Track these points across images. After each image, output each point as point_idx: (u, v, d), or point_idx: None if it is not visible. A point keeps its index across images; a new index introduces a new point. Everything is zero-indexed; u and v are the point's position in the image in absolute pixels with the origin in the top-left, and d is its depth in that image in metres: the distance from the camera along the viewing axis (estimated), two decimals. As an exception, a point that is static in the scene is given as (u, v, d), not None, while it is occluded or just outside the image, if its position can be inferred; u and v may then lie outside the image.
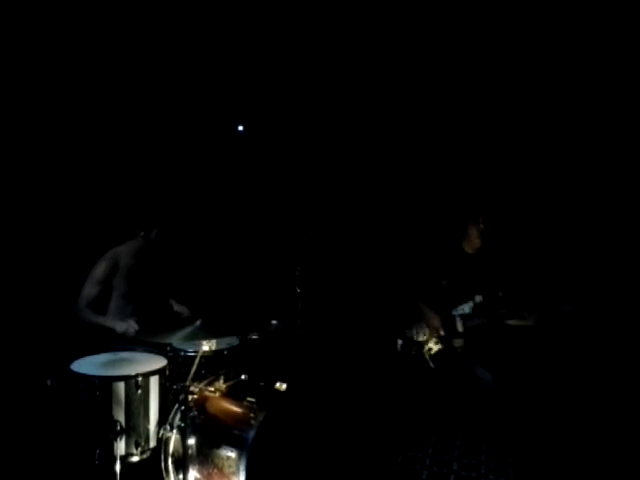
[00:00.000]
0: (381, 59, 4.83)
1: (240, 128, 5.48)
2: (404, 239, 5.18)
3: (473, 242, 4.05)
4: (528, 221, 4.89)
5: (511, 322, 3.80)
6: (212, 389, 2.88)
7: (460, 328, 3.93)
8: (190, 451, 2.67)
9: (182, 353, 3.21)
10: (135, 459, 2.71)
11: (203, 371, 3.05)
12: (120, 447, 2.63)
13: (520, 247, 4.67)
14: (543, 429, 4.01)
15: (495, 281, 4.00)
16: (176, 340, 3.06)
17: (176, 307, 3.85)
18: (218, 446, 2.63)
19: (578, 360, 4.46)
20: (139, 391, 2.70)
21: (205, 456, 2.65)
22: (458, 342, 3.91)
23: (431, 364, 3.89)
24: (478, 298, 3.94)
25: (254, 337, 3.71)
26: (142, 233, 3.57)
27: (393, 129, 5.33)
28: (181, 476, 2.69)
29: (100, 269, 3.43)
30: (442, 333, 3.92)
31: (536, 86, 4.71)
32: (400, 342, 4.02)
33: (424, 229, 5.02)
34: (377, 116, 5.30)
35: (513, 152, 4.98)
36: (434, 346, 3.95)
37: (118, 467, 2.60)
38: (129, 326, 3.31)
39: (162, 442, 2.78)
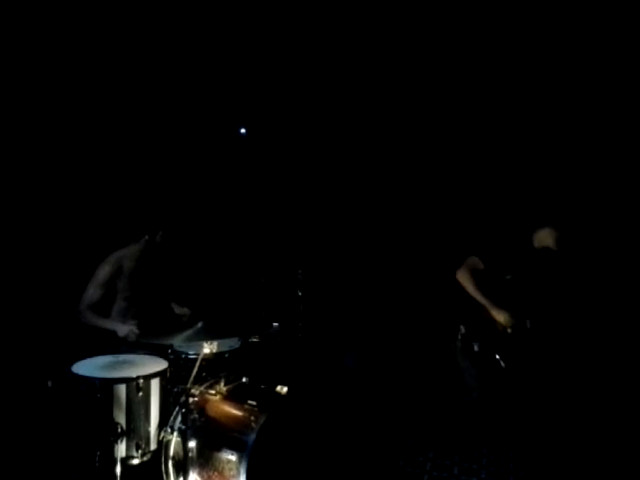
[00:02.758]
0: (382, 62, 4.84)
1: (242, 131, 5.48)
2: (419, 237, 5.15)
3: (545, 242, 3.91)
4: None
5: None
6: (213, 392, 2.88)
7: (528, 324, 3.80)
8: (191, 454, 2.67)
9: (183, 355, 3.21)
10: (135, 462, 2.70)
11: (204, 374, 3.04)
12: (121, 449, 2.63)
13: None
14: (544, 433, 4.00)
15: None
16: (177, 342, 3.06)
17: (177, 310, 3.85)
18: (219, 449, 2.63)
19: (579, 361, 4.47)
20: (140, 393, 2.69)
21: (206, 459, 2.65)
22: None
23: (502, 363, 3.80)
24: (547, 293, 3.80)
25: (255, 340, 3.71)
26: (146, 236, 3.57)
27: (397, 128, 5.33)
28: (181, 479, 2.69)
29: (104, 272, 3.44)
30: (510, 331, 3.79)
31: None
32: (477, 345, 3.86)
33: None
34: (382, 115, 5.30)
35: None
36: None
37: (118, 469, 2.60)
38: (130, 331, 3.32)
39: (163, 445, 2.78)
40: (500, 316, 3.67)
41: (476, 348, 3.74)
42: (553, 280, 3.89)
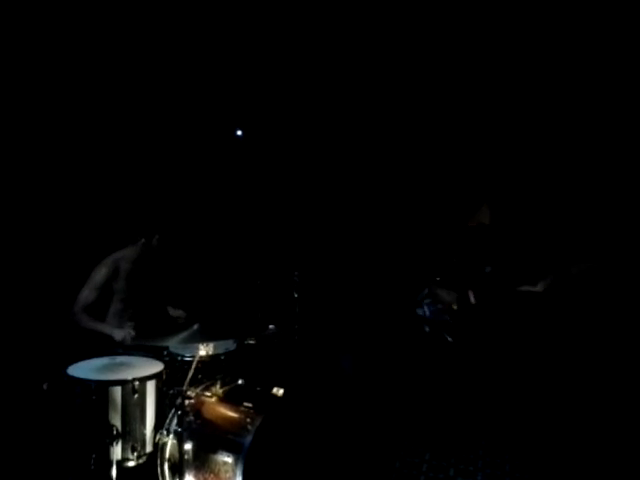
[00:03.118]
0: (380, 62, 4.86)
1: (239, 133, 5.49)
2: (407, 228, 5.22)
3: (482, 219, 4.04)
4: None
5: (523, 288, 3.86)
6: (209, 394, 2.87)
7: (472, 300, 3.92)
8: (186, 456, 2.67)
9: (179, 358, 3.20)
10: (131, 464, 2.70)
11: (200, 376, 3.04)
12: (116, 452, 2.63)
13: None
14: (541, 434, 4.01)
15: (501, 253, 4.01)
16: (173, 344, 3.06)
17: (172, 312, 3.85)
18: (214, 451, 2.62)
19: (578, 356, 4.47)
20: (136, 396, 2.69)
21: (201, 461, 2.65)
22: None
23: (449, 338, 3.89)
24: (488, 269, 3.94)
25: (251, 342, 3.71)
26: (143, 240, 3.57)
27: (390, 124, 5.35)
28: (177, 481, 2.69)
29: (100, 274, 3.43)
30: (455, 307, 3.90)
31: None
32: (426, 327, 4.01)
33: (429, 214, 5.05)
34: (375, 117, 5.32)
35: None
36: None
37: (114, 472, 2.60)
38: (127, 334, 3.31)
39: (158, 447, 2.77)
40: (443, 294, 3.80)
41: (427, 329, 3.88)
42: (493, 252, 4.02)
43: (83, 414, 2.63)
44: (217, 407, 2.82)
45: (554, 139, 4.84)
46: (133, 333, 3.31)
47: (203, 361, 3.03)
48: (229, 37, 4.57)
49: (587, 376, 4.28)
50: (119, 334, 3.32)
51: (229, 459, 2.57)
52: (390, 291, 5.30)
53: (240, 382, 3.04)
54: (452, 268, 3.99)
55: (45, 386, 2.95)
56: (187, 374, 2.79)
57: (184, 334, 2.88)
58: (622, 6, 4.04)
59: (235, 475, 2.53)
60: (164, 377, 2.89)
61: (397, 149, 5.38)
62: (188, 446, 2.67)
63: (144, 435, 2.75)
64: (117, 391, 2.66)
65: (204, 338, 2.91)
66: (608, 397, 4.18)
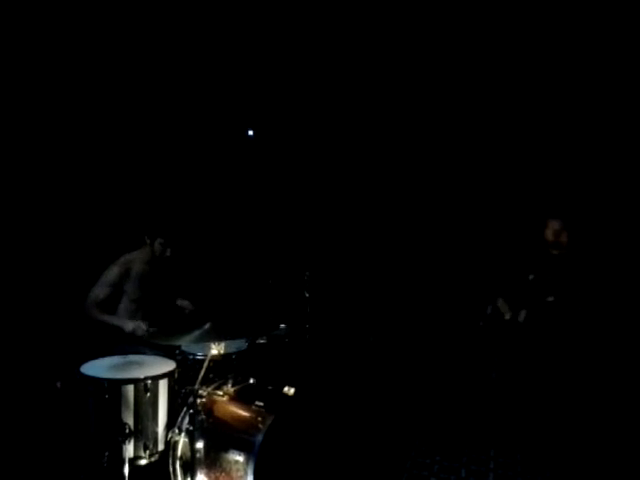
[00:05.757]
0: (389, 63, 4.85)
1: (250, 133, 5.50)
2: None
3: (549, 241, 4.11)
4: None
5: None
6: (220, 393, 2.88)
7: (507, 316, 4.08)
8: (198, 455, 2.68)
9: (191, 357, 3.22)
10: (143, 462, 2.71)
11: (211, 375, 3.05)
12: (129, 450, 2.64)
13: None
14: (553, 435, 3.98)
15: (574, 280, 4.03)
16: (185, 343, 3.07)
17: (179, 302, 3.88)
18: (226, 450, 2.63)
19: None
20: (148, 394, 2.71)
21: (213, 460, 2.66)
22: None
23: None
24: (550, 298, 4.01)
25: (263, 341, 3.71)
26: (149, 241, 3.60)
27: (403, 130, 5.34)
28: (189, 479, 2.70)
29: (113, 273, 3.48)
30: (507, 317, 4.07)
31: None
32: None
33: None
34: (388, 118, 5.31)
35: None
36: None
37: (127, 470, 2.61)
38: (138, 326, 3.33)
39: (170, 445, 2.78)
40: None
41: (507, 317, 3.98)
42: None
43: (96, 412, 2.65)
44: (228, 406, 2.83)
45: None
46: (144, 327, 3.32)
47: (215, 360, 3.04)
48: (240, 37, 4.58)
49: (596, 378, 4.27)
50: (129, 325, 3.35)
51: (240, 458, 2.58)
52: (399, 289, 5.29)
53: (251, 381, 3.05)
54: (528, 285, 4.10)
55: (58, 384, 2.98)
56: (199, 373, 2.79)
57: (196, 333, 2.89)
58: (622, 6, 4.01)
59: (246, 474, 2.53)
60: (176, 376, 2.90)
61: (417, 148, 5.37)
62: (200, 444, 2.69)
63: (156, 433, 2.76)
64: (130, 389, 2.67)
65: (216, 337, 2.92)
66: (617, 398, 4.16)
